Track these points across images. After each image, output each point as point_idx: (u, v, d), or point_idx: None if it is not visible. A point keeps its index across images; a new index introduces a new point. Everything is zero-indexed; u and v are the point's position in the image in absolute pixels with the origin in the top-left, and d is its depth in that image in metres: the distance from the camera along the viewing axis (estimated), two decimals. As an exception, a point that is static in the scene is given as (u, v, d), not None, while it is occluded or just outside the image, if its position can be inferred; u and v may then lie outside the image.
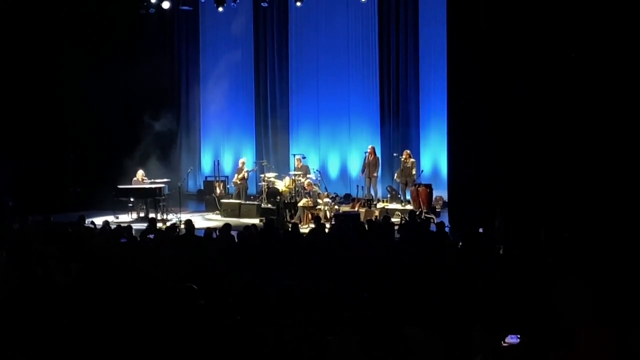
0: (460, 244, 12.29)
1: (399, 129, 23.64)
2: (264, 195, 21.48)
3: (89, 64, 22.26)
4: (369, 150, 22.03)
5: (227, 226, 13.84)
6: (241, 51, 26.22)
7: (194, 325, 6.54)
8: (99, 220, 16.86)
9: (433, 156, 23.42)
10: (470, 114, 17.62)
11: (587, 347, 5.82)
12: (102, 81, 22.15)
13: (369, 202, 20.86)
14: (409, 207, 20.26)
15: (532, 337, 6.05)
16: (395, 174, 21.51)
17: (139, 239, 13.27)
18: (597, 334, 5.92)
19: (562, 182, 16.12)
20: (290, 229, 14.89)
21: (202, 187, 25.30)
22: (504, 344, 6.10)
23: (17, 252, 10.74)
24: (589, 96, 15.90)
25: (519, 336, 6.10)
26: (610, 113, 15.72)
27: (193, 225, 13.99)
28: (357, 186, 22.36)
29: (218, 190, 23.24)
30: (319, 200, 20.17)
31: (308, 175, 21.22)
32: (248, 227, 14.33)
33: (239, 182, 22.70)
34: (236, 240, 13.20)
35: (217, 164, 24.58)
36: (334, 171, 25.16)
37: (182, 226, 15.64)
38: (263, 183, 21.83)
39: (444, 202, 21.32)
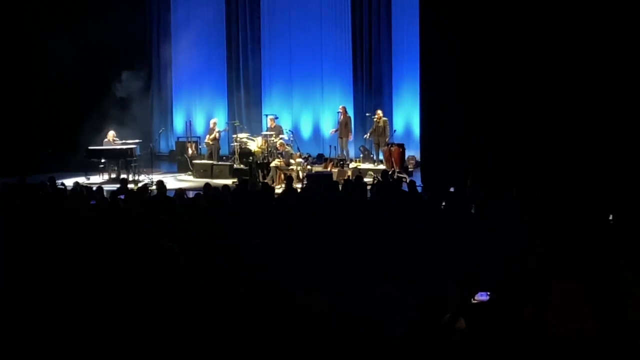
0: (432, 202, 12.29)
1: (371, 89, 23.64)
2: (237, 156, 21.40)
3: (56, 19, 21.95)
4: (340, 110, 22.00)
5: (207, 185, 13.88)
6: (212, 8, 25.93)
7: (171, 284, 6.51)
8: (69, 182, 16.72)
9: (405, 116, 23.43)
10: (442, 73, 17.58)
11: (559, 302, 5.85)
12: (70, 38, 21.79)
13: (341, 162, 20.85)
14: (382, 167, 20.27)
15: (503, 294, 6.07)
16: (368, 133, 21.49)
17: (109, 200, 13.17)
18: (568, 289, 5.95)
19: (534, 139, 16.17)
20: (261, 189, 14.84)
21: (174, 148, 25.13)
22: (474, 301, 6.12)
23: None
24: (561, 48, 15.94)
25: (488, 293, 6.13)
26: (579, 66, 15.78)
27: (164, 186, 13.90)
28: (330, 146, 22.35)
29: (190, 151, 23.10)
30: (292, 161, 20.13)
31: (281, 136, 21.15)
32: (221, 187, 14.28)
33: (211, 142, 22.58)
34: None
35: (189, 125, 24.41)
36: (306, 131, 25.10)
37: (154, 187, 15.55)
38: (235, 143, 21.72)
39: (416, 161, 21.37)
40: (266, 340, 4.80)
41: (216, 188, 13.98)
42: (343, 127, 21.89)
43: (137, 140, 21.78)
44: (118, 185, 15.77)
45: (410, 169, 20.78)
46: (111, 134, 21.46)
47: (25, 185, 15.21)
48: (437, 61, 17.75)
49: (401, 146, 20.49)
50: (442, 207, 11.78)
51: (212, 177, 20.88)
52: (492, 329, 5.31)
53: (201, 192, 14.01)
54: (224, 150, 23.86)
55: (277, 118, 22.26)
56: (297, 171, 19.68)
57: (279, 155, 20.27)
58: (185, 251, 7.86)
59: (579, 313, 5.57)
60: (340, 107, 22.18)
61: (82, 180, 19.39)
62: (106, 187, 16.02)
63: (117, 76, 22.97)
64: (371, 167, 20.65)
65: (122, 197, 13.54)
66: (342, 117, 21.91)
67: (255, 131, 23.07)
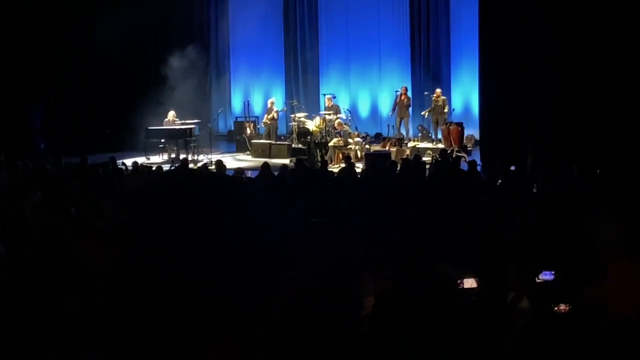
0: (493, 181, 12.22)
1: (429, 68, 23.48)
2: (295, 135, 21.41)
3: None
4: (401, 91, 21.85)
5: (266, 165, 13.93)
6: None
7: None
8: (130, 162, 16.93)
9: (464, 94, 23.25)
10: (502, 51, 17.39)
11: (618, 280, 5.79)
12: (128, 17, 21.90)
13: (399, 141, 20.77)
14: (440, 146, 20.14)
15: (566, 273, 6.01)
16: (426, 111, 21.34)
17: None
18: (627, 267, 5.89)
19: (596, 116, 15.91)
20: (320, 168, 14.88)
21: (232, 128, 25.23)
22: (538, 281, 6.06)
23: (52, 192, 10.80)
24: (626, 24, 15.65)
25: (553, 273, 6.06)
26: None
27: (224, 166, 13.99)
28: (388, 125, 22.28)
29: (248, 131, 23.18)
30: (350, 140, 20.12)
31: (338, 115, 21.13)
32: (283, 167, 14.34)
33: (269, 122, 22.63)
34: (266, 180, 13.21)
35: (247, 105, 24.49)
36: (364, 110, 25.04)
37: (213, 167, 15.67)
38: (293, 123, 21.74)
39: (475, 140, 21.23)
40: (334, 317, 4.83)
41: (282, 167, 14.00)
42: (402, 107, 21.75)
43: (196, 120, 21.92)
44: (178, 165, 15.93)
45: (469, 148, 20.63)
46: (171, 114, 21.64)
47: (86, 165, 15.42)
48: (496, 39, 17.56)
49: (460, 125, 20.35)
50: (502, 185, 11.70)
51: (270, 156, 20.93)
52: (557, 309, 5.26)
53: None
54: (282, 130, 23.89)
55: (334, 97, 22.23)
56: (355, 150, 19.65)
57: (337, 135, 20.27)
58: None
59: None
60: (402, 87, 22.03)
61: (142, 160, 19.63)
62: (166, 167, 16.19)
63: (175, 56, 23.09)
64: (430, 146, 20.54)
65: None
66: (403, 97, 21.73)
67: (313, 111, 23.04)
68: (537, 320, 4.86)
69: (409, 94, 22.19)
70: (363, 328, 5.16)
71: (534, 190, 11.56)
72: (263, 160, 17.10)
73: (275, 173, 13.93)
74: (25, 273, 5.89)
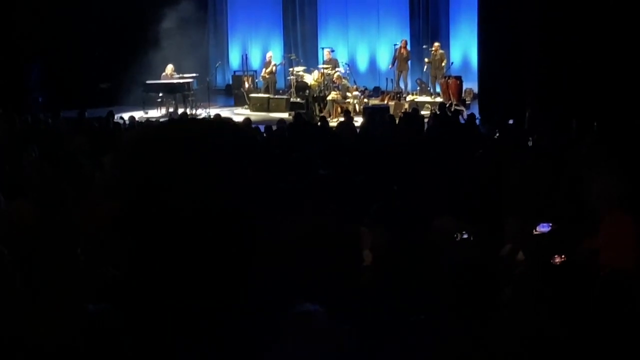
0: (491, 135, 12.23)
1: (428, 21, 23.37)
2: (293, 89, 21.37)
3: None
4: (401, 44, 21.77)
5: (247, 120, 13.92)
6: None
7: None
8: (128, 116, 16.93)
9: (463, 48, 23.16)
10: (501, 4, 17.31)
11: (611, 230, 5.85)
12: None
13: (398, 95, 20.75)
14: (439, 99, 20.12)
15: (563, 225, 6.06)
16: (426, 61, 21.28)
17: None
18: (621, 218, 5.95)
19: (595, 70, 15.86)
20: (319, 123, 14.88)
21: (230, 82, 25.16)
22: (536, 233, 6.11)
23: (50, 147, 10.81)
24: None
25: (550, 224, 6.11)
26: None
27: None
28: (387, 79, 22.20)
29: (246, 85, 23.12)
30: (348, 94, 20.09)
31: (337, 69, 21.06)
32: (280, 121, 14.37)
33: (267, 76, 22.57)
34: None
35: (245, 58, 24.39)
36: (363, 64, 24.96)
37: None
38: (292, 77, 21.68)
39: (474, 94, 21.19)
40: (328, 270, 4.86)
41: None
42: (402, 61, 21.68)
43: (194, 74, 21.85)
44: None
45: (467, 102, 20.61)
46: (170, 67, 21.53)
47: (84, 119, 15.42)
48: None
49: (458, 79, 20.33)
50: (499, 138, 11.72)
51: (268, 110, 20.93)
52: (552, 261, 5.32)
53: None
54: (280, 84, 23.82)
55: (333, 51, 22.15)
56: (354, 104, 19.63)
57: (336, 89, 20.23)
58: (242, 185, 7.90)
59: (631, 242, 5.59)
60: (402, 40, 21.95)
61: (140, 114, 19.61)
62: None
63: (173, 10, 22.91)
64: (428, 100, 20.51)
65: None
66: (402, 50, 21.65)
67: (311, 64, 22.97)
68: (533, 272, 4.92)
69: (408, 47, 22.12)
70: (364, 280, 5.21)
71: (531, 144, 11.57)
72: (262, 114, 17.10)
73: (274, 128, 13.94)
74: (22, 228, 5.90)
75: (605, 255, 5.61)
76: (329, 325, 3.79)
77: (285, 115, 19.02)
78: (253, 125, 14.29)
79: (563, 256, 5.34)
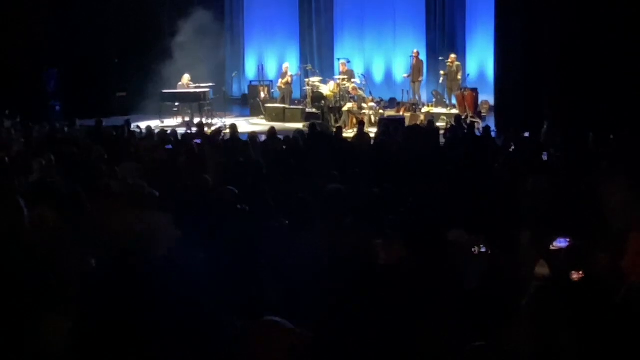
0: (507, 148, 12.19)
1: (444, 33, 23.40)
2: (309, 100, 21.39)
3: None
4: (413, 54, 21.81)
5: (272, 130, 13.92)
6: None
7: (235, 228, 6.55)
8: (144, 125, 16.97)
9: (479, 60, 23.15)
10: (518, 17, 17.29)
11: (634, 249, 5.79)
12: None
13: (414, 107, 20.73)
14: (455, 111, 20.08)
15: (581, 240, 6.01)
16: (442, 73, 21.23)
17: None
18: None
19: (612, 83, 15.81)
20: (334, 134, 14.86)
21: (246, 92, 25.24)
22: (553, 248, 6.06)
23: (66, 154, 10.84)
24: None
25: (568, 240, 6.05)
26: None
27: (237, 130, 14.01)
28: (402, 90, 22.21)
29: (262, 95, 23.16)
30: (364, 105, 20.08)
31: (353, 80, 21.07)
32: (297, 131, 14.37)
33: (283, 86, 22.63)
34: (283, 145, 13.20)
35: (261, 69, 24.46)
36: (378, 76, 24.98)
37: (227, 130, 15.69)
38: (307, 87, 21.70)
39: (490, 106, 21.15)
40: (344, 285, 4.85)
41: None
42: (416, 71, 21.71)
43: (210, 84, 21.89)
44: (195, 129, 15.96)
45: (483, 114, 20.57)
46: (186, 77, 21.59)
47: (101, 128, 15.46)
48: (513, 4, 17.44)
49: (474, 91, 20.30)
50: (515, 151, 11.67)
51: (284, 121, 20.97)
52: (571, 276, 5.28)
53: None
54: (296, 94, 23.87)
55: (349, 62, 22.15)
56: (370, 115, 19.62)
57: (351, 99, 20.23)
58: (255, 195, 7.90)
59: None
60: (414, 50, 21.98)
61: (156, 123, 19.65)
62: (180, 130, 16.21)
63: (190, 20, 22.99)
64: (444, 112, 20.49)
65: (198, 141, 13.63)
66: (415, 61, 21.71)
67: (327, 75, 23.00)
68: (550, 287, 4.88)
69: (422, 57, 22.15)
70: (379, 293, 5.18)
71: (546, 157, 11.51)
72: (278, 124, 17.11)
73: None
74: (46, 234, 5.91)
75: (631, 272, 5.53)
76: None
77: (300, 125, 19.03)
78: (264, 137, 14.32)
79: (581, 272, 5.29)
